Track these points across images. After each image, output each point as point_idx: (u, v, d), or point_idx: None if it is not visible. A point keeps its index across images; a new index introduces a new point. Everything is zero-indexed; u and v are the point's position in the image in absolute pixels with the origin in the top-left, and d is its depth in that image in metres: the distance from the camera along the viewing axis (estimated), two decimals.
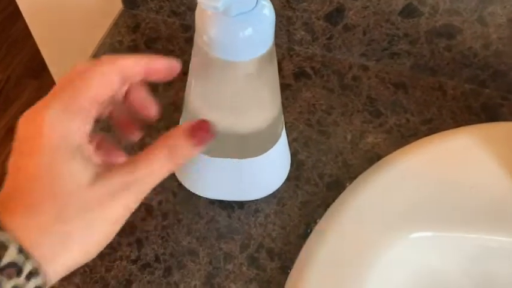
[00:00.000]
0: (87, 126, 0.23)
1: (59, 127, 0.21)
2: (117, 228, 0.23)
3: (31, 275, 0.20)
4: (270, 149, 0.34)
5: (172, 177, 0.39)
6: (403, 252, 0.36)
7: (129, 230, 0.36)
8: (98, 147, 0.25)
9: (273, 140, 0.34)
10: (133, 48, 0.47)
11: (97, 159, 0.23)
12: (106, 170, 0.22)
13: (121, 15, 0.50)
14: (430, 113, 0.44)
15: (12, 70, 1.38)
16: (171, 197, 0.38)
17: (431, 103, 0.45)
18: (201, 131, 0.24)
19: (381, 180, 0.38)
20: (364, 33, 0.45)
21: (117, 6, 0.51)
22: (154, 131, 0.42)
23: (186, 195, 0.38)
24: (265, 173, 0.36)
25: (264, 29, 0.27)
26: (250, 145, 0.33)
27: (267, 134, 0.33)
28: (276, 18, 0.46)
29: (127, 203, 0.22)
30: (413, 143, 0.41)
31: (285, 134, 0.36)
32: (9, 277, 0.20)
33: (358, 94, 0.45)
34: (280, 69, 0.46)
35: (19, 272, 0.20)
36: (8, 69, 1.38)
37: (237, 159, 0.33)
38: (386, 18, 0.43)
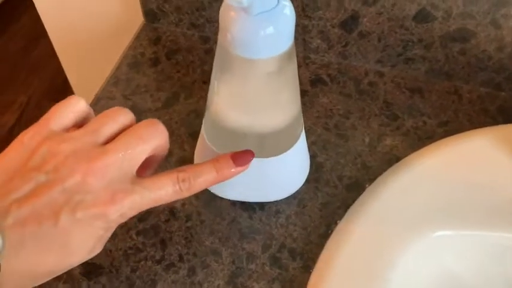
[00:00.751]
0: None
1: None
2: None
3: None
4: (289, 148, 0.35)
5: None
6: (425, 251, 0.36)
7: (153, 231, 0.37)
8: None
9: (292, 140, 0.35)
10: (155, 60, 0.49)
11: None
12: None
13: (142, 28, 0.52)
14: (447, 116, 0.45)
15: (33, 92, 1.42)
16: (193, 200, 0.39)
17: (448, 106, 0.46)
18: (242, 154, 0.28)
19: (400, 181, 0.39)
20: (379, 40, 0.46)
21: (139, 20, 0.53)
22: (177, 138, 0.43)
23: (208, 198, 0.39)
24: (285, 173, 0.37)
25: (284, 28, 0.28)
26: (269, 145, 0.34)
27: (286, 133, 0.34)
28: None
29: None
30: (430, 144, 0.42)
31: (304, 135, 0.37)
32: None
33: (374, 99, 0.46)
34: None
35: None
36: (29, 91, 1.42)
37: (257, 159, 0.34)
38: (400, 24, 0.44)
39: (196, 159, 0.39)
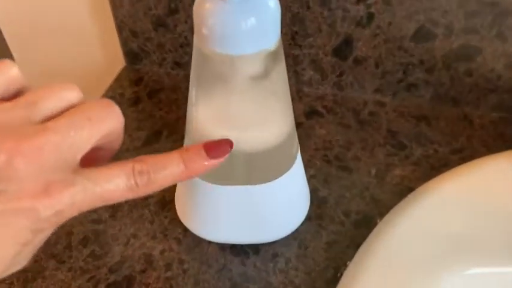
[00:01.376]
0: None
1: None
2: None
3: None
4: (283, 173, 0.29)
5: (177, 223, 0.34)
6: None
7: (126, 283, 0.31)
8: None
9: (286, 163, 0.30)
10: (135, 100, 0.45)
11: None
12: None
13: (123, 70, 0.49)
14: (459, 143, 0.40)
15: None
16: (175, 245, 0.33)
17: (459, 133, 0.41)
18: (217, 145, 0.23)
19: (419, 212, 0.33)
20: (377, 65, 0.42)
21: (119, 64, 0.50)
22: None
23: (192, 242, 0.33)
24: (281, 205, 0.31)
25: (268, 21, 0.24)
26: (260, 167, 0.28)
27: (278, 153, 0.29)
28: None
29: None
30: (448, 171, 0.36)
31: (300, 159, 0.32)
32: None
33: (377, 128, 0.42)
34: None
35: None
36: None
37: (247, 187, 0.29)
38: (398, 45, 0.40)
39: (178, 197, 0.34)
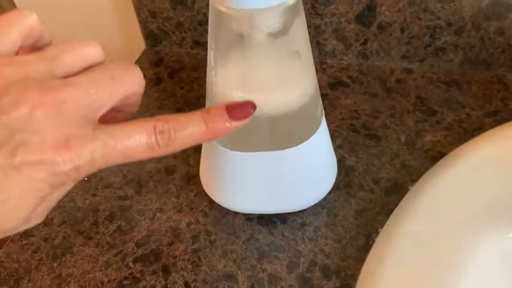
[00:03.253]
0: None
1: None
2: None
3: None
4: (309, 137, 0.28)
5: (202, 196, 0.33)
6: (499, 255, 0.28)
7: (154, 257, 0.30)
8: None
9: (311, 126, 0.29)
10: (156, 80, 0.45)
11: None
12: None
13: (143, 53, 0.49)
14: (493, 106, 0.38)
15: None
16: (201, 218, 0.32)
17: (492, 96, 0.39)
18: (240, 106, 0.21)
19: (454, 174, 0.32)
20: (402, 30, 0.41)
21: (140, 48, 0.50)
22: (182, 153, 0.37)
23: (218, 214, 0.32)
24: (307, 171, 0.30)
25: None
26: (284, 131, 0.28)
27: (303, 116, 0.28)
28: None
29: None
30: (483, 133, 0.35)
31: (325, 123, 0.31)
32: None
33: (405, 95, 0.40)
34: None
35: None
36: None
37: (272, 152, 0.28)
38: (423, 7, 0.39)
39: (203, 169, 0.33)
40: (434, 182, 0.31)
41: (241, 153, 0.28)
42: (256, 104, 0.26)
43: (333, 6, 0.41)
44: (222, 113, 0.20)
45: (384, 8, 0.40)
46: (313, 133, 0.29)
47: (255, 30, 0.24)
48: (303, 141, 0.28)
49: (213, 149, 0.29)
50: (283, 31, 0.25)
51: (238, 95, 0.26)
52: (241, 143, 0.28)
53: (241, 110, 0.21)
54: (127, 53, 0.52)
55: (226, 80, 0.26)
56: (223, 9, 0.24)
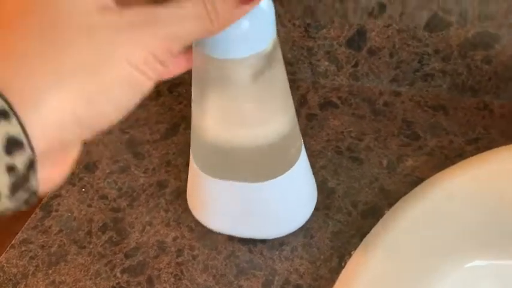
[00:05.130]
0: None
1: None
2: (137, 82, 0.17)
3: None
4: (288, 170, 0.30)
5: (189, 212, 0.35)
6: (456, 285, 0.29)
7: (140, 268, 0.33)
8: None
9: (291, 159, 0.30)
10: (156, 93, 0.47)
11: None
12: (120, 4, 0.17)
13: None
14: (476, 133, 0.39)
15: None
16: (186, 233, 0.35)
17: (477, 122, 0.40)
18: None
19: (426, 204, 0.33)
20: (391, 55, 0.42)
21: None
22: (173, 168, 0.40)
23: (202, 231, 0.35)
24: (285, 201, 0.32)
25: (260, 24, 0.24)
26: (264, 165, 0.29)
27: (282, 150, 0.29)
28: (297, 50, 0.45)
29: (150, 45, 0.17)
30: (460, 162, 0.36)
31: (305, 154, 0.32)
32: None
33: (392, 118, 0.41)
34: (305, 102, 0.44)
35: None
36: None
37: (252, 185, 0.30)
38: (412, 35, 0.40)
39: (188, 191, 0.35)
40: (406, 209, 0.33)
41: (222, 181, 0.30)
42: (236, 138, 0.28)
43: (324, 31, 0.42)
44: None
45: (373, 33, 0.41)
46: (292, 166, 0.30)
47: (232, 75, 0.26)
48: (282, 174, 0.30)
49: (197, 173, 0.31)
50: (260, 74, 0.26)
51: (218, 128, 0.28)
52: (221, 171, 0.30)
53: None
54: None
55: (208, 113, 0.28)
56: (202, 54, 0.25)
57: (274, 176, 0.30)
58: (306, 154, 0.32)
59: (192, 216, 0.35)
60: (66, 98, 0.15)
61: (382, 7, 0.39)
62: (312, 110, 0.43)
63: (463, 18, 0.38)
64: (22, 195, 0.16)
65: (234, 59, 0.24)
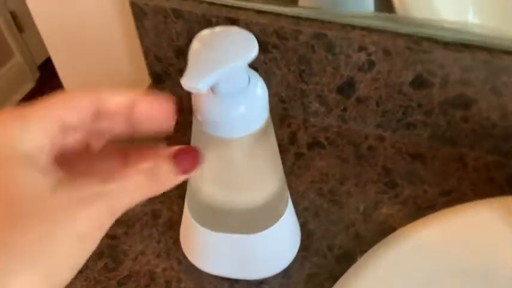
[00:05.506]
0: (44, 139, 0.20)
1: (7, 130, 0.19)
2: (86, 247, 0.19)
3: None
4: (273, 224, 0.33)
5: (179, 245, 0.39)
6: None
7: None
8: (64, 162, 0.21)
9: (276, 215, 0.33)
10: None
11: (57, 172, 0.20)
12: (72, 179, 0.19)
13: (149, 88, 0.54)
14: (449, 185, 0.43)
15: None
16: (175, 265, 0.38)
17: (451, 174, 0.43)
18: (188, 158, 0.23)
19: (393, 255, 0.36)
20: (378, 105, 0.45)
21: (147, 80, 0.55)
22: (167, 199, 0.43)
23: (190, 264, 0.38)
24: (272, 250, 0.35)
25: (256, 108, 0.26)
26: (253, 220, 0.33)
27: (269, 209, 0.33)
28: (291, 90, 0.48)
29: (97, 215, 0.19)
30: (429, 215, 0.39)
31: (292, 210, 0.35)
32: None
33: (373, 164, 0.45)
34: (295, 140, 0.47)
35: None
36: None
37: (240, 235, 0.33)
38: (397, 89, 0.43)
39: (181, 233, 0.38)
40: (377, 259, 0.36)
41: (215, 232, 0.33)
42: (228, 198, 0.31)
43: (317, 78, 0.45)
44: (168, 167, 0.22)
45: (362, 85, 0.44)
46: (280, 217, 0.34)
47: (231, 149, 0.28)
48: (271, 226, 0.33)
49: (191, 222, 0.34)
50: (254, 147, 0.29)
51: (212, 188, 0.31)
52: (215, 225, 0.33)
53: (189, 161, 0.23)
54: (134, 82, 0.57)
55: (204, 178, 0.31)
56: (202, 130, 0.28)
57: (264, 228, 0.33)
58: (292, 204, 0.36)
59: (181, 249, 0.39)
60: (26, 284, 0.17)
61: (371, 64, 0.42)
62: (301, 149, 0.46)
63: (445, 81, 0.41)
64: None
65: (231, 138, 0.27)
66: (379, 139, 0.47)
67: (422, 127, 0.45)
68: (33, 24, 0.59)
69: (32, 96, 1.77)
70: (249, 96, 0.26)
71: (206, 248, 0.35)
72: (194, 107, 0.27)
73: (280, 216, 0.33)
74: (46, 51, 0.61)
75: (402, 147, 0.46)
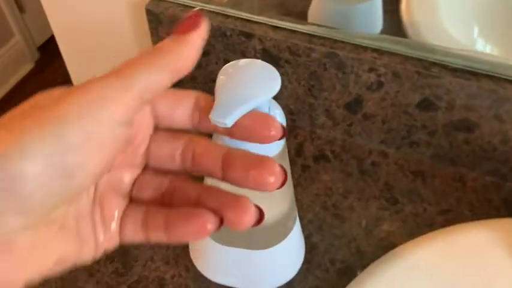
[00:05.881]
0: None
1: None
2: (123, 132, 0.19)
3: None
4: (279, 242, 0.35)
5: (187, 251, 0.40)
6: None
7: None
8: None
9: (283, 234, 0.35)
10: None
11: None
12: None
13: None
14: (448, 204, 0.44)
15: None
16: (183, 272, 0.40)
17: (450, 194, 0.45)
18: (186, 19, 0.21)
19: (391, 272, 0.38)
20: (383, 122, 0.46)
21: None
22: None
23: (198, 272, 0.39)
24: (277, 265, 0.37)
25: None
26: (260, 237, 0.34)
27: (277, 227, 0.34)
28: (299, 103, 0.49)
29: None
30: (427, 234, 0.41)
31: (299, 227, 0.37)
32: None
33: (376, 180, 0.46)
34: (301, 152, 0.48)
35: None
36: None
37: (247, 250, 0.34)
38: (403, 109, 0.44)
39: (191, 243, 0.40)
40: (376, 275, 0.38)
41: (226, 247, 0.34)
42: None
43: (326, 93, 0.46)
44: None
45: (369, 103, 0.45)
46: (285, 237, 0.35)
47: None
48: (281, 241, 0.35)
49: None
50: None
51: None
52: (226, 240, 0.34)
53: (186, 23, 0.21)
54: None
55: None
56: None
57: (272, 245, 0.34)
58: (299, 220, 0.37)
59: (189, 256, 0.40)
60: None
61: (380, 84, 0.43)
62: (307, 161, 0.48)
63: (451, 105, 0.42)
64: None
65: None
66: (382, 155, 0.48)
67: (425, 146, 0.47)
68: (34, 4, 0.60)
69: (31, 77, 1.76)
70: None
71: (214, 259, 0.36)
72: (214, 134, 0.29)
73: (288, 234, 0.35)
74: (46, 32, 0.62)
75: (404, 165, 0.47)
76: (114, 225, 0.22)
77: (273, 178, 0.21)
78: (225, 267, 0.36)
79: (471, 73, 0.41)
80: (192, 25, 0.21)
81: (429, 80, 0.41)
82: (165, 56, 0.21)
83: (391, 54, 0.42)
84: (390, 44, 0.42)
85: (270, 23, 0.45)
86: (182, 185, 0.24)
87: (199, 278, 0.39)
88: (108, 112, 0.18)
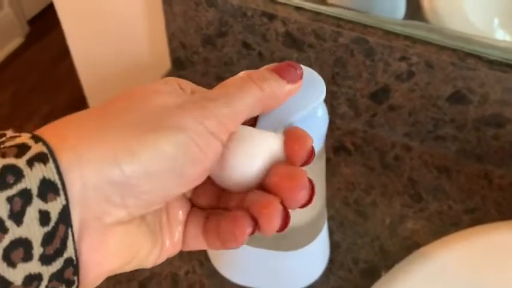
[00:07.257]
0: None
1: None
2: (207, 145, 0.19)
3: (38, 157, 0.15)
4: (309, 243, 0.33)
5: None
6: None
7: None
8: None
9: (313, 235, 0.33)
10: None
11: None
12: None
13: (168, 74, 0.51)
14: (474, 202, 0.42)
15: (56, 103, 1.44)
16: (197, 268, 0.37)
17: (476, 191, 0.43)
18: (289, 67, 0.21)
19: (419, 273, 0.36)
20: (410, 114, 0.44)
21: (166, 65, 0.52)
22: None
23: (212, 267, 0.37)
24: (303, 266, 0.35)
25: (314, 130, 0.26)
26: (290, 238, 0.32)
27: (307, 229, 0.32)
28: None
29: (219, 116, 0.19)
30: (454, 233, 0.39)
31: (326, 228, 0.35)
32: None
33: (399, 175, 0.44)
34: None
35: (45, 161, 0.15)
36: (52, 102, 1.44)
37: (274, 251, 0.32)
38: (433, 102, 0.42)
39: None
40: (401, 277, 0.36)
41: (252, 247, 0.32)
42: None
43: (350, 81, 0.43)
44: (272, 76, 0.21)
45: (397, 93, 0.43)
46: (315, 238, 0.33)
47: None
48: (310, 242, 0.32)
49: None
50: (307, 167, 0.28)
51: None
52: (254, 240, 0.32)
53: (290, 70, 0.21)
54: (153, 66, 0.55)
55: None
56: None
57: (304, 245, 0.32)
58: (327, 227, 0.35)
59: (203, 251, 0.38)
60: (107, 144, 0.16)
61: (411, 74, 0.41)
62: (327, 153, 0.45)
63: (484, 99, 0.40)
64: (56, 259, 0.15)
65: None
66: (405, 148, 0.46)
67: (451, 141, 0.44)
68: None
69: (21, 51, 1.70)
70: (310, 116, 0.25)
71: (235, 258, 0.34)
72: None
73: (318, 234, 0.33)
74: (37, 5, 0.58)
75: (428, 159, 0.45)
76: (180, 229, 0.22)
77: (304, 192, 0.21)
78: (246, 267, 0.34)
79: (509, 65, 0.38)
80: (294, 79, 0.22)
81: (464, 71, 0.39)
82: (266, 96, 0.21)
83: (425, 43, 0.39)
84: (423, 31, 0.39)
85: (294, 4, 0.42)
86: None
87: (215, 274, 0.37)
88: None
